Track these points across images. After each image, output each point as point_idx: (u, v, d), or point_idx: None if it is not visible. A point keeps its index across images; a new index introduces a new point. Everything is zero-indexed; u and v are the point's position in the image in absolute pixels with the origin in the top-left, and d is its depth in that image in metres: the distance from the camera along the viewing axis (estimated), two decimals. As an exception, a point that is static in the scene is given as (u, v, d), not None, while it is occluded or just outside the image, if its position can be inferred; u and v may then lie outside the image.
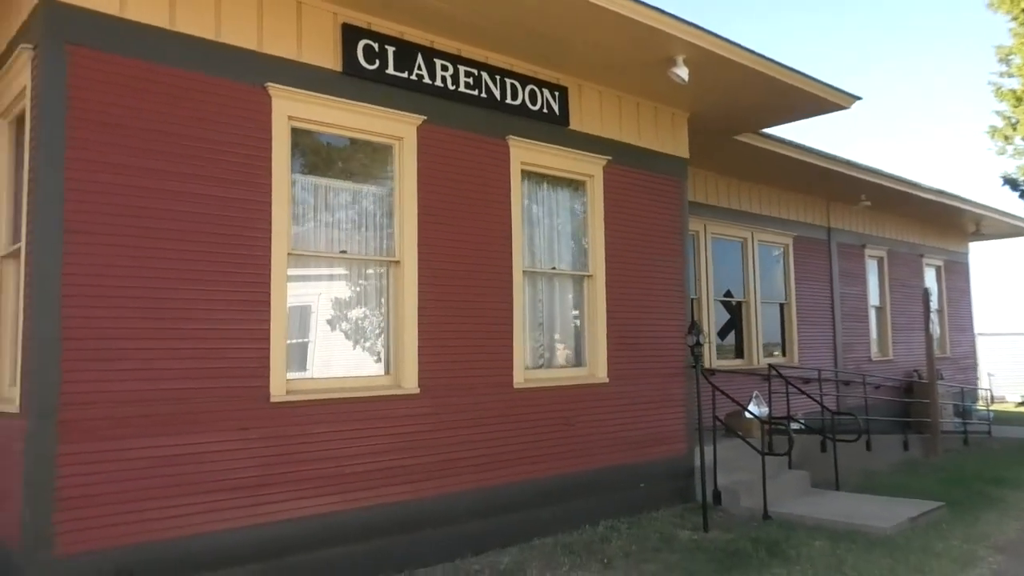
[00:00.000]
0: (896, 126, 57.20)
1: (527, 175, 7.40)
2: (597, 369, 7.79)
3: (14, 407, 4.89)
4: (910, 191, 13.23)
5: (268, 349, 5.55)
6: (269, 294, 5.59)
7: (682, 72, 7.17)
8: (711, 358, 10.90)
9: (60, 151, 4.78)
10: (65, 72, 4.83)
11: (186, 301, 5.22)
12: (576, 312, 7.96)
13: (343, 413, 5.93)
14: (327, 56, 6.04)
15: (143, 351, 5.02)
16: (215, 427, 5.28)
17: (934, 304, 15.29)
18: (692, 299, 9.61)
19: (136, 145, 5.08)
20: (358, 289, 6.37)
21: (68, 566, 4.65)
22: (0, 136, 5.70)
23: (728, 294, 11.89)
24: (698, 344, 7.74)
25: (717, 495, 8.22)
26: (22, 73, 5.12)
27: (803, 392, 9.89)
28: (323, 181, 6.22)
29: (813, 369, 12.03)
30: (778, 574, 6.07)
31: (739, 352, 11.92)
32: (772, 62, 7.64)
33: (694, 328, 7.77)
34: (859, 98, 8.67)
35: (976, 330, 18.46)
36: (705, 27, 7.01)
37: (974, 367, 18.26)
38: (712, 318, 11.30)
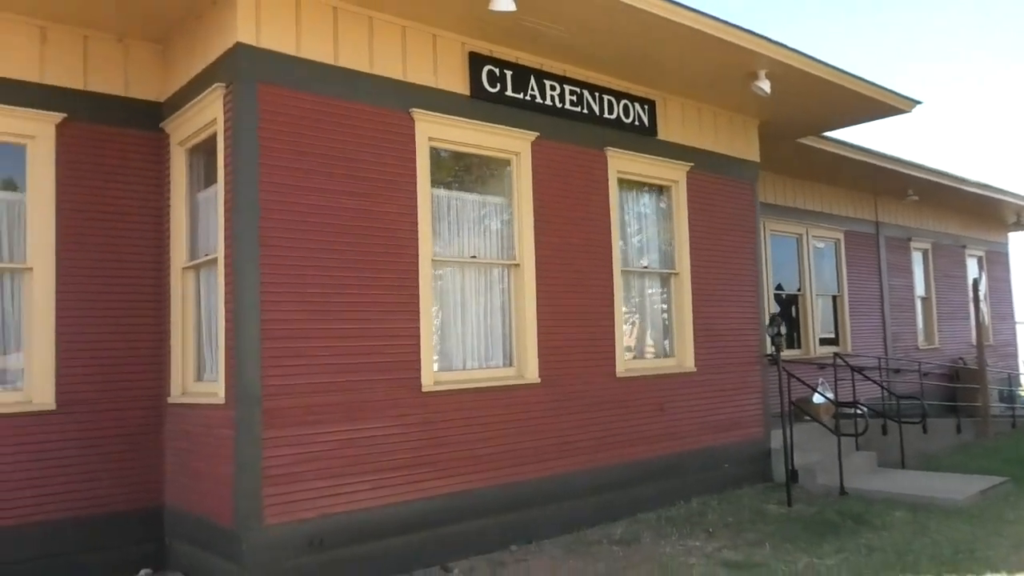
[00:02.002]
0: (935, 121, 57.19)
1: (621, 182, 8.09)
2: (685, 359, 8.48)
3: (218, 399, 5.63)
4: (956, 185, 13.82)
5: (419, 345, 6.28)
6: (418, 296, 6.31)
7: (765, 85, 7.82)
8: (764, 349, 11.53)
9: (255, 175, 5.52)
10: (256, 106, 5.57)
11: (356, 304, 5.95)
12: (664, 307, 8.65)
13: (477, 402, 6.65)
14: (457, 82, 6.75)
15: (323, 348, 5.76)
16: (381, 415, 6.01)
17: (981, 292, 15.83)
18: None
19: (311, 168, 5.82)
20: (485, 290, 7.07)
21: (273, 535, 5.40)
22: (178, 162, 6.43)
23: (779, 287, 12.51)
24: (779, 335, 8.40)
25: (794, 474, 8.85)
26: (211, 107, 5.85)
27: (869, 379, 10.54)
28: (454, 194, 6.92)
29: (866, 357, 12.65)
30: (870, 539, 6.73)
31: (795, 343, 12.55)
32: (846, 73, 8.28)
33: (775, 320, 8.44)
34: (919, 102, 9.28)
35: (1016, 318, 18.99)
36: (787, 44, 7.67)
37: (1015, 354, 18.79)
38: (771, 311, 11.94)
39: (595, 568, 6.14)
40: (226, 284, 5.62)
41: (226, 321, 5.59)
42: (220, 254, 5.70)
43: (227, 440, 5.50)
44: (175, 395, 6.33)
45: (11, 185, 6.08)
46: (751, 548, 6.57)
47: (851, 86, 8.50)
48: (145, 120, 6.56)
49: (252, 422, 5.37)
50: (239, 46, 5.54)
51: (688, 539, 6.92)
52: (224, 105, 5.71)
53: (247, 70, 5.56)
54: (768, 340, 8.91)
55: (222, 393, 5.60)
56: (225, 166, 5.68)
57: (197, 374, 6.32)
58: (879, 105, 9.14)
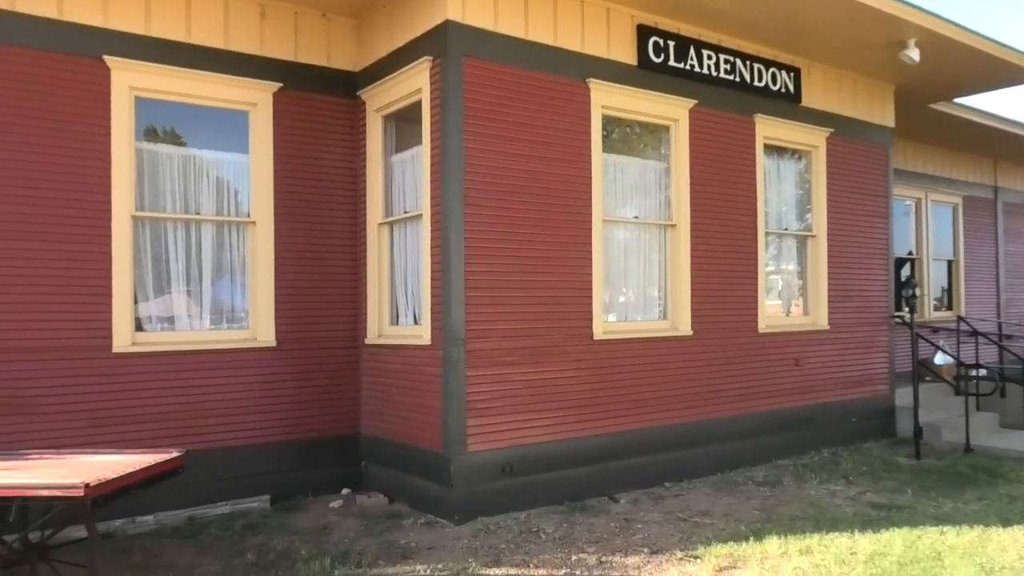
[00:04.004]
0: None
1: (767, 148, 8.46)
2: (820, 317, 8.89)
3: (423, 340, 6.35)
4: (1079, 151, 13.62)
5: (592, 298, 6.88)
6: (591, 253, 6.89)
7: (914, 54, 8.04)
8: (891, 310, 11.78)
9: (460, 140, 6.14)
10: (462, 78, 6.16)
11: (541, 259, 6.57)
12: (801, 268, 9.05)
13: (638, 351, 7.23)
14: (626, 52, 7.21)
15: (515, 298, 6.41)
16: (560, 359, 6.66)
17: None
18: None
19: (506, 134, 6.41)
20: (645, 248, 7.60)
21: (475, 460, 6.13)
22: (375, 127, 7.11)
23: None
24: (913, 296, 8.72)
25: (919, 430, 9.23)
26: (416, 78, 6.47)
27: (994, 342, 10.74)
28: (620, 158, 7.43)
29: (981, 321, 12.75)
30: (1009, 490, 7.12)
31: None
32: (994, 42, 8.41)
33: (911, 281, 8.75)
34: (1064, 69, 9.30)
35: None
36: (937, 13, 7.86)
37: None
38: (905, 273, 12.14)
39: (749, 504, 6.71)
40: (432, 239, 6.29)
41: (432, 272, 6.28)
42: (426, 211, 6.36)
43: (434, 376, 6.22)
44: (371, 337, 7.09)
45: (237, 148, 6.83)
46: (892, 494, 7.05)
47: (997, 54, 8.61)
48: (342, 88, 7.24)
49: (457, 361, 6.07)
50: (448, 23, 6.12)
51: (828, 484, 7.43)
52: (431, 76, 6.32)
53: (455, 44, 6.14)
54: (900, 301, 9.22)
55: (427, 335, 6.31)
56: (431, 132, 6.31)
57: (392, 319, 7.06)
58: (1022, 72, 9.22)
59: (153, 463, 4.15)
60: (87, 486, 3.54)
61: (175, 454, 4.43)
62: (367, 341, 7.14)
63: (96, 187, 6.06)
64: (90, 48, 6.05)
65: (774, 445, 8.28)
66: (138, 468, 3.99)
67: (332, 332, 7.15)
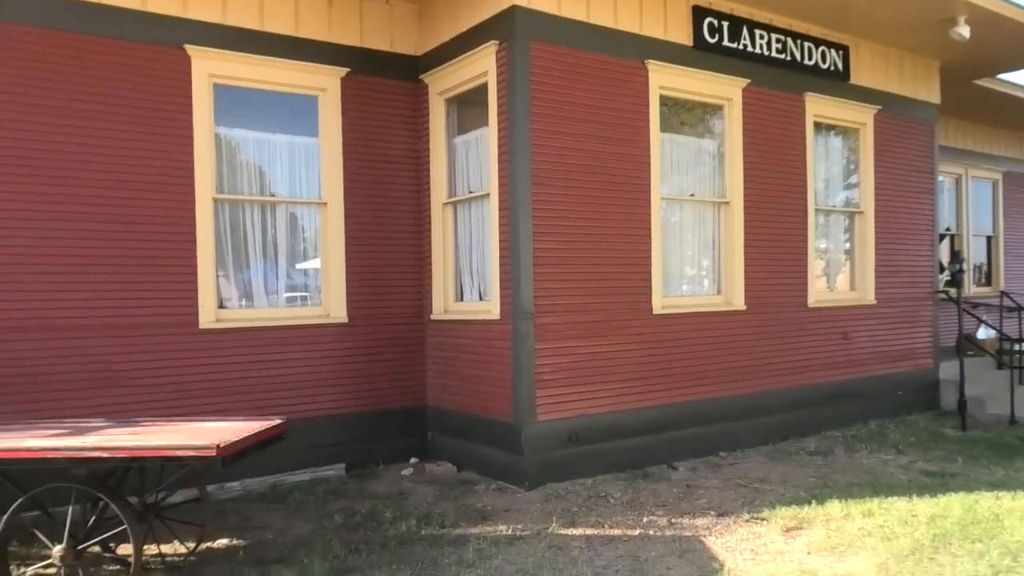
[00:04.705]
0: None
1: (816, 126, 8.60)
2: (867, 292, 9.06)
3: (492, 315, 6.61)
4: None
5: (650, 273, 7.10)
6: (650, 230, 7.10)
7: (964, 31, 8.13)
8: (936, 285, 11.91)
9: (527, 122, 6.36)
10: (529, 61, 6.37)
11: (603, 236, 6.79)
12: (848, 243, 9.21)
13: (694, 325, 7.45)
14: (682, 34, 7.38)
15: (579, 274, 6.65)
16: (621, 333, 6.90)
17: None
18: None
19: (570, 115, 6.62)
20: (699, 225, 7.80)
21: (543, 429, 6.40)
22: (437, 110, 7.34)
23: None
24: (960, 271, 8.86)
25: (963, 403, 9.40)
26: (482, 62, 6.68)
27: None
28: (676, 137, 7.62)
29: (1022, 296, 12.83)
30: (1059, 460, 7.30)
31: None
32: (1044, 17, 8.47)
33: (957, 257, 8.89)
34: (1110, 43, 9.33)
35: None
36: (987, -11, 7.93)
37: None
38: (952, 249, 12.23)
39: (804, 472, 6.94)
40: (501, 217, 6.53)
41: (501, 249, 6.52)
42: (494, 191, 6.60)
43: (504, 349, 6.49)
44: (437, 313, 7.37)
45: (308, 131, 7.09)
46: (942, 462, 7.24)
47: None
48: (405, 72, 7.47)
49: (527, 334, 6.33)
50: (515, 8, 6.32)
51: (879, 454, 7.64)
52: (497, 60, 6.53)
53: (522, 29, 6.35)
54: (947, 277, 9.35)
55: (496, 310, 6.57)
56: (499, 114, 6.53)
57: (456, 295, 7.33)
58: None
59: (264, 428, 4.44)
60: (218, 447, 3.84)
61: (278, 421, 4.73)
62: (432, 317, 7.42)
63: (180, 171, 6.36)
64: (172, 38, 6.32)
65: (822, 417, 8.49)
66: (255, 432, 4.29)
67: (398, 308, 7.43)
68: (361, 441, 7.14)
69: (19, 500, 4.10)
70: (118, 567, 4.69)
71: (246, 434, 4.19)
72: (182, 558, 4.91)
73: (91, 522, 4.21)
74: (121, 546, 4.72)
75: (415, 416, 7.49)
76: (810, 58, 8.37)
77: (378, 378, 7.30)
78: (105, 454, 3.92)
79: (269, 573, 4.66)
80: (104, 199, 6.07)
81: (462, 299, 7.31)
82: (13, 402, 5.70)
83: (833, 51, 8.59)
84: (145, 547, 4.88)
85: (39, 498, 4.17)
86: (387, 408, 7.33)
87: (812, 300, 8.44)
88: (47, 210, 5.88)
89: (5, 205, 5.75)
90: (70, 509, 4.08)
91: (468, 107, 7.28)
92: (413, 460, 7.38)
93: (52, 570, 4.23)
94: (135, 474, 4.71)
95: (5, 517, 4.07)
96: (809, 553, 4.86)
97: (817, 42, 8.43)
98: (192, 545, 4.98)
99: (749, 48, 7.82)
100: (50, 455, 3.93)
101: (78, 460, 3.99)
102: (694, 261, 7.78)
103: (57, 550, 4.04)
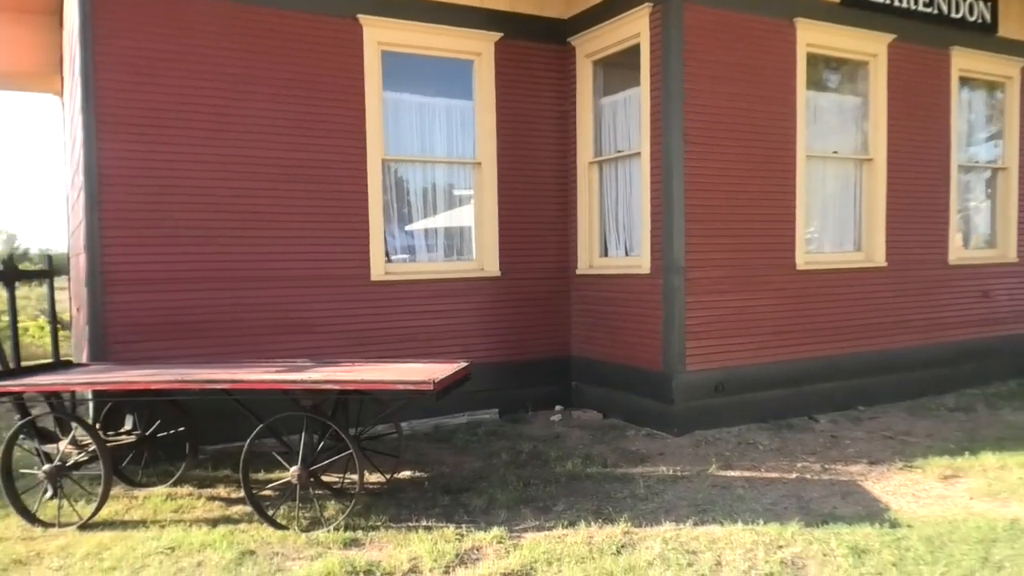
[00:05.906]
0: None
1: (961, 80, 8.46)
2: (1008, 250, 8.93)
3: (642, 270, 6.91)
4: None
5: (795, 230, 7.25)
6: (795, 188, 7.23)
7: None
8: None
9: (680, 82, 6.56)
10: (683, 23, 6.55)
11: (750, 193, 6.97)
12: (988, 200, 9.06)
13: (836, 281, 7.57)
14: (831, -11, 7.39)
15: (727, 230, 6.86)
16: (765, 288, 7.10)
17: None
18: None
19: (720, 75, 6.78)
20: (841, 182, 7.86)
21: (692, 379, 6.71)
22: (585, 72, 7.60)
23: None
24: (1111, 228, 8.61)
25: (1107, 364, 9.21)
26: (634, 24, 6.89)
27: None
28: (821, 95, 7.67)
29: None
30: None
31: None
32: None
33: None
34: None
35: None
36: None
37: None
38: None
39: (948, 427, 7.04)
40: (652, 175, 6.79)
41: (652, 206, 6.80)
42: (645, 150, 6.85)
43: (655, 302, 6.80)
44: (582, 268, 7.72)
45: (463, 95, 7.47)
46: (1092, 421, 7.21)
47: None
48: (552, 35, 7.74)
49: (678, 288, 6.62)
50: (670, -29, 6.50)
51: (1020, 412, 7.63)
52: (651, 21, 6.73)
53: (676, -9, 6.53)
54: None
55: (647, 265, 6.87)
56: (651, 75, 6.75)
57: (602, 251, 7.65)
58: None
59: (461, 368, 4.91)
60: (435, 383, 4.31)
61: (464, 364, 5.18)
62: (578, 271, 7.77)
63: (355, 134, 6.85)
64: (346, 9, 6.76)
65: (959, 375, 8.49)
66: (456, 371, 4.75)
67: (545, 263, 7.82)
68: (510, 388, 7.61)
69: (257, 427, 4.69)
70: (324, 491, 5.28)
71: (450, 372, 4.66)
72: (378, 485, 5.47)
73: (319, 448, 4.78)
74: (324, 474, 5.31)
75: (560, 365, 7.91)
76: (957, 11, 8.21)
77: (525, 329, 7.73)
78: (336, 387, 4.44)
79: (460, 499, 5.16)
80: (292, 160, 6.61)
81: (606, 255, 7.63)
82: (220, 344, 6.37)
83: (981, 3, 8.39)
84: (345, 474, 5.48)
85: (274, 426, 4.76)
86: (534, 358, 7.77)
87: (952, 257, 8.40)
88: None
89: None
90: (302, 436, 4.64)
91: (614, 68, 7.51)
92: (558, 407, 7.81)
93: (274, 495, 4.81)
94: (341, 409, 5.26)
95: (247, 442, 4.67)
96: (971, 499, 5.04)
97: (965, -6, 8.27)
98: (388, 475, 5.54)
99: (896, 3, 7.75)
100: (289, 387, 4.48)
101: (311, 391, 4.54)
102: (837, 218, 7.85)
103: (293, 470, 4.61)
